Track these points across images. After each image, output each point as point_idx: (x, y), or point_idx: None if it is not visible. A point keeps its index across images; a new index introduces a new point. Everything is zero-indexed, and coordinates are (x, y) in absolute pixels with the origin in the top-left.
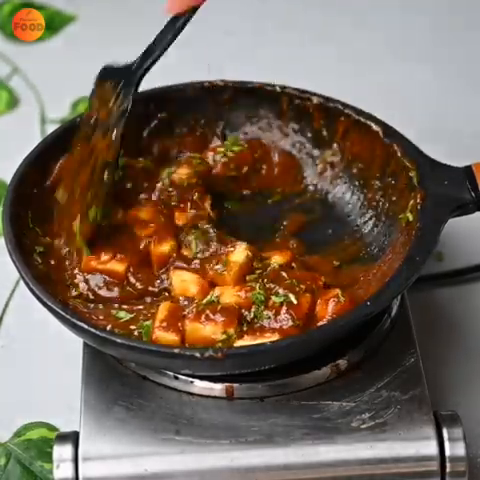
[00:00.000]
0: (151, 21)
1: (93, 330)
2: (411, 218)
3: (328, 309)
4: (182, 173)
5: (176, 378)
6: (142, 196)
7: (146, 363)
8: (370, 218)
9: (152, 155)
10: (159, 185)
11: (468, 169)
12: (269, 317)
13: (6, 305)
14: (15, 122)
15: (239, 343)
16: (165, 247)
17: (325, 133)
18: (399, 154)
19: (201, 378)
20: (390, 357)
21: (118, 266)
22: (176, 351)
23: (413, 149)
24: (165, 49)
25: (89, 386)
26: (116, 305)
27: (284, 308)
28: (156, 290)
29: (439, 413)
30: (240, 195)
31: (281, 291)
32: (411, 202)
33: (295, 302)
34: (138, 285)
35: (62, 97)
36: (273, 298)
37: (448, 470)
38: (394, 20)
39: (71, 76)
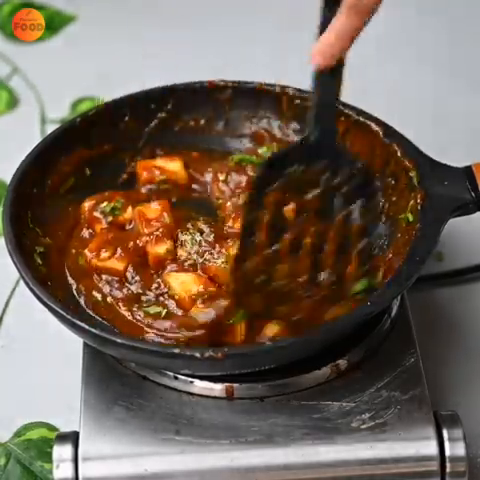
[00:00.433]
0: (151, 21)
1: (93, 330)
2: (411, 218)
3: None
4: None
5: (176, 378)
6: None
7: (146, 363)
8: None
9: (152, 155)
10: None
11: (468, 169)
12: None
13: (6, 305)
14: (15, 122)
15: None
16: (161, 248)
17: None
18: (399, 154)
19: (201, 378)
20: (390, 357)
21: (118, 264)
22: (176, 351)
23: (413, 149)
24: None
25: (89, 386)
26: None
27: None
28: (152, 295)
29: (439, 413)
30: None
31: None
32: (411, 202)
33: None
34: (135, 288)
35: (62, 97)
36: None
37: (448, 470)
38: (394, 20)
39: (71, 76)
